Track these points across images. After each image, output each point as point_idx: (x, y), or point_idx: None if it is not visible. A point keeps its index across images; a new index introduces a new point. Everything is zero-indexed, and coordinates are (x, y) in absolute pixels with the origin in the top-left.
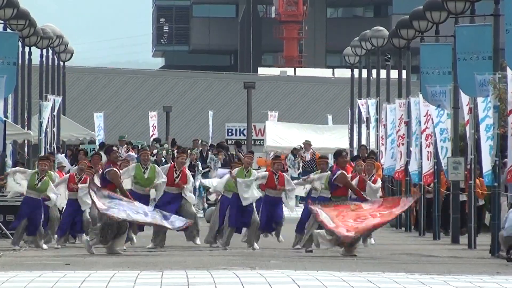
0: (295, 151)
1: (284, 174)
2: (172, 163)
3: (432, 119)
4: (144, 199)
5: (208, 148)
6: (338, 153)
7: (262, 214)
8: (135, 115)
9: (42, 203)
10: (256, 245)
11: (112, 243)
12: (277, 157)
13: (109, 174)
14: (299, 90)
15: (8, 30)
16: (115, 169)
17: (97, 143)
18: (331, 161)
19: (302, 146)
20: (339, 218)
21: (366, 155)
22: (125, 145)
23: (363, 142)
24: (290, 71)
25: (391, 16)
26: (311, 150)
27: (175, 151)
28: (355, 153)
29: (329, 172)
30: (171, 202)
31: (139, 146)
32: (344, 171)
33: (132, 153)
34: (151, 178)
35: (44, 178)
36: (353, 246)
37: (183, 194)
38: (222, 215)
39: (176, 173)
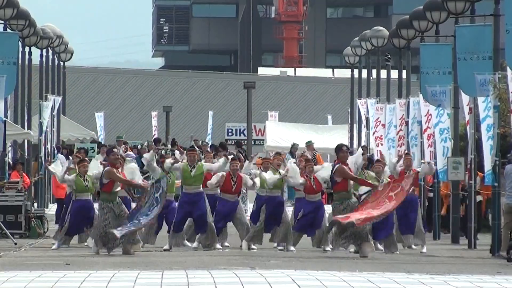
0: (293, 150)
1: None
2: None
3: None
4: (195, 198)
5: (208, 148)
6: (339, 148)
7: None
8: (135, 115)
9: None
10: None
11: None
12: (278, 153)
13: (105, 174)
14: (299, 90)
15: (8, 30)
16: (109, 168)
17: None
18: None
19: (304, 146)
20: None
21: (367, 155)
22: (123, 145)
23: (363, 142)
24: (290, 71)
25: (391, 16)
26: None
27: (176, 151)
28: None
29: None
30: (228, 209)
31: (139, 146)
32: (343, 165)
33: (131, 153)
34: (198, 175)
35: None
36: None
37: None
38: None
39: (232, 181)
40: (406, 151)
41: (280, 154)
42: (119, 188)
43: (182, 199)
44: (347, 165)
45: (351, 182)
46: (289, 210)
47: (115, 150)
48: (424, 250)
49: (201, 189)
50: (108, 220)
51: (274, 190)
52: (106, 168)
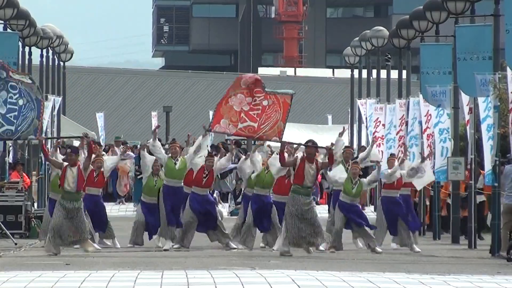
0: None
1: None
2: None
3: (432, 119)
4: (178, 193)
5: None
6: (306, 144)
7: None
8: (135, 115)
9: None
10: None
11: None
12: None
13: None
14: (299, 90)
15: (8, 30)
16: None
17: (103, 143)
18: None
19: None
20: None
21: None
22: (121, 146)
23: (363, 142)
24: (290, 71)
25: (391, 16)
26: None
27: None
28: (355, 154)
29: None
30: (202, 203)
31: (139, 145)
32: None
33: (131, 153)
34: (182, 169)
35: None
36: None
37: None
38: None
39: (204, 174)
40: (391, 153)
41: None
42: (72, 186)
43: (165, 192)
44: (312, 160)
45: (309, 178)
46: None
47: (69, 150)
48: (417, 249)
49: (181, 184)
50: (59, 219)
51: (262, 190)
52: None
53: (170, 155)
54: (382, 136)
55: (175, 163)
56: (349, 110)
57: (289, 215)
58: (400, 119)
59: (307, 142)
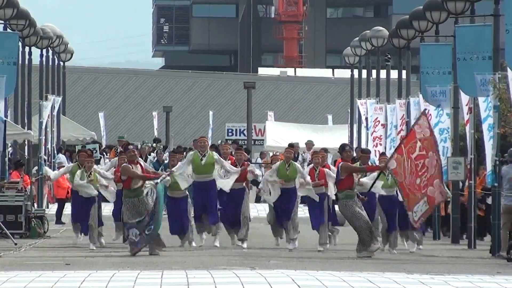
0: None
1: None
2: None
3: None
4: (203, 188)
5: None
6: (342, 148)
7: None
8: (135, 115)
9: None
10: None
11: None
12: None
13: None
14: (299, 90)
15: (8, 30)
16: (125, 165)
17: (104, 143)
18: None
19: (304, 146)
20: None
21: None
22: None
23: (363, 142)
24: (290, 71)
25: (391, 16)
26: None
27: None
28: (354, 154)
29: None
30: (235, 199)
31: (139, 146)
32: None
33: None
34: (208, 164)
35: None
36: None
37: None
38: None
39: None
40: (381, 152)
41: (293, 146)
42: (140, 183)
43: (195, 189)
44: (351, 163)
45: (356, 180)
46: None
47: (130, 146)
48: (413, 249)
49: (212, 177)
50: (132, 215)
51: (287, 182)
52: (122, 165)
53: (198, 150)
54: (380, 136)
55: (201, 159)
56: (349, 110)
57: (356, 214)
58: (400, 119)
59: (343, 146)
